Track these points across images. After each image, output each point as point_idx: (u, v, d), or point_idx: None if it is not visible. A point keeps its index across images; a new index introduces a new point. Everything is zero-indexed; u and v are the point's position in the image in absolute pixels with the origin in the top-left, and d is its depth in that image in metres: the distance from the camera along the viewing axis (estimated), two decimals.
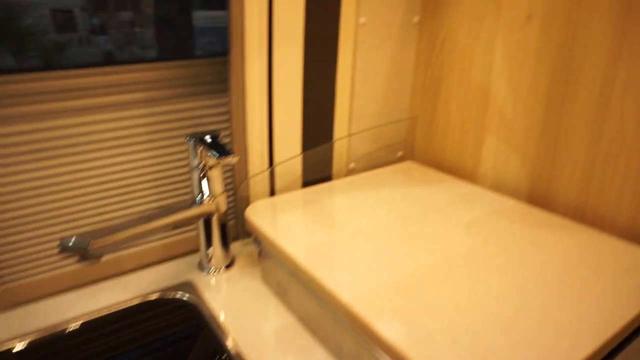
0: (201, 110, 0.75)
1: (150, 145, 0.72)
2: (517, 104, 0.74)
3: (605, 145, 0.64)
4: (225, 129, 0.79)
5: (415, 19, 0.87)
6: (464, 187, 0.78)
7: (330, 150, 0.85)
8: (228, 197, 0.83)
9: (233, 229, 0.84)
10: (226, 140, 0.80)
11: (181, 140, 0.75)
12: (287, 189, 0.81)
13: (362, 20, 0.80)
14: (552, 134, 0.70)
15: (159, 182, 0.75)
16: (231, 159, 0.58)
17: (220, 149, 0.60)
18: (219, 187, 0.67)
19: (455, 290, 0.49)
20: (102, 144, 0.68)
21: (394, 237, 0.60)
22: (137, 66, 0.67)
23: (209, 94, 0.75)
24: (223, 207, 0.69)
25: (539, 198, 0.74)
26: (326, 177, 0.87)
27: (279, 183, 0.80)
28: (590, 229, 0.63)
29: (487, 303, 0.47)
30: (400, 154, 0.97)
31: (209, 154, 0.62)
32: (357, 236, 0.60)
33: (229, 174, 0.80)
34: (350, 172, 0.90)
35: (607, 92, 0.62)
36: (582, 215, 0.68)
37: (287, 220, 0.65)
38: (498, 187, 0.80)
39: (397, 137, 0.95)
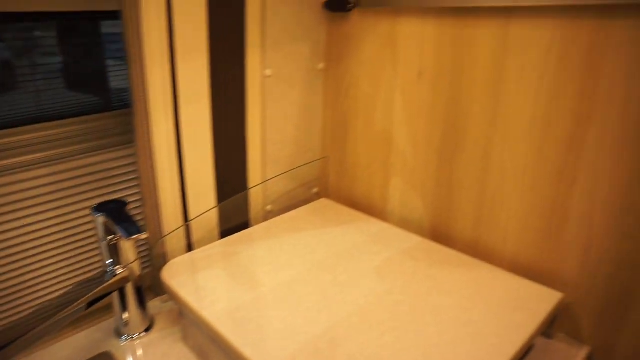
0: (112, 163, 0.73)
1: (57, 206, 0.69)
2: (416, 150, 0.81)
3: (491, 191, 0.72)
4: (137, 186, 0.78)
5: (320, 65, 0.91)
6: (374, 225, 0.83)
7: (245, 197, 0.87)
8: (144, 252, 0.81)
9: (150, 279, 0.82)
10: (138, 197, 0.78)
11: (91, 197, 0.72)
12: (205, 241, 0.81)
13: (268, 72, 0.82)
14: (447, 179, 0.77)
15: (69, 248, 0.71)
16: (140, 236, 0.58)
17: (128, 223, 0.59)
18: (131, 255, 0.66)
19: (365, 345, 0.53)
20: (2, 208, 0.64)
21: (311, 289, 0.63)
22: (36, 126, 0.64)
23: (119, 145, 0.74)
24: (137, 271, 0.68)
25: (440, 234, 0.81)
26: (243, 224, 0.88)
27: (195, 235, 0.80)
28: (484, 263, 0.71)
29: (394, 356, 0.51)
30: (315, 190, 1.01)
31: (117, 231, 0.61)
32: (275, 292, 0.62)
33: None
34: (268, 215, 0.92)
35: (489, 146, 0.70)
36: (476, 250, 0.76)
37: (203, 280, 0.66)
38: (405, 223, 0.86)
39: (312, 175, 0.99)
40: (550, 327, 0.67)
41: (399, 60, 0.78)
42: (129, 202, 0.80)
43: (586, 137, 0.60)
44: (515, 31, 0.63)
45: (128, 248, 0.65)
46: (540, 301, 0.61)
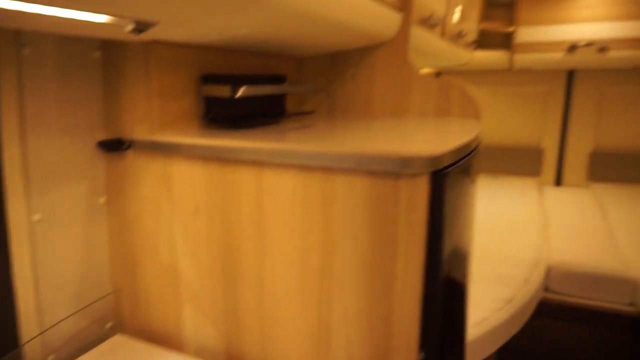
0: None
1: None
2: (202, 279, 0.84)
3: (269, 314, 0.78)
4: None
5: (102, 200, 0.90)
6: (170, 359, 0.81)
7: (18, 356, 0.77)
8: None
9: None
10: None
11: None
12: None
13: (36, 217, 0.78)
14: (232, 304, 0.81)
15: None
16: None
17: None
18: None
19: None
20: None
21: None
22: None
23: None
24: None
25: (235, 359, 0.84)
26: None
27: None
28: None
29: None
30: (109, 325, 0.95)
31: None
32: None
33: None
34: None
35: (262, 274, 0.77)
36: None
37: None
38: (201, 351, 0.87)
39: (104, 310, 0.93)
40: None
41: (175, 198, 0.82)
42: None
43: (333, 266, 0.71)
44: (268, 177, 0.73)
45: None
46: None
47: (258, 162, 0.73)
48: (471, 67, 2.79)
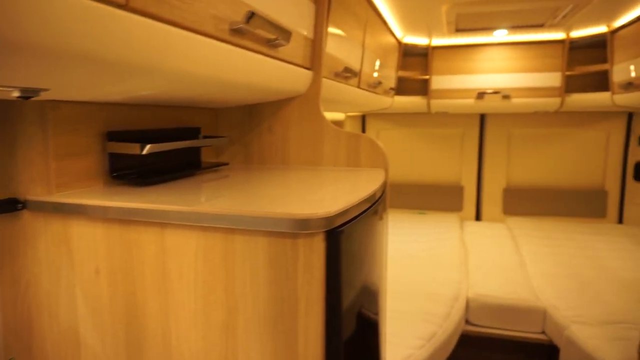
0: None
1: None
2: (104, 344, 0.80)
3: None
4: None
5: None
6: None
7: None
8: None
9: None
10: None
11: None
12: None
13: None
14: None
15: None
16: None
17: None
18: None
19: None
20: None
21: None
22: None
23: None
24: None
25: None
26: None
27: None
28: None
29: None
30: None
31: None
32: None
33: None
34: None
35: (167, 335, 0.75)
36: None
37: None
38: None
39: None
40: None
41: (76, 258, 0.79)
42: None
43: (237, 324, 0.71)
44: (170, 238, 0.73)
45: None
46: None
47: (160, 223, 0.73)
48: (394, 110, 2.96)
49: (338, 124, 2.76)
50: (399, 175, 3.30)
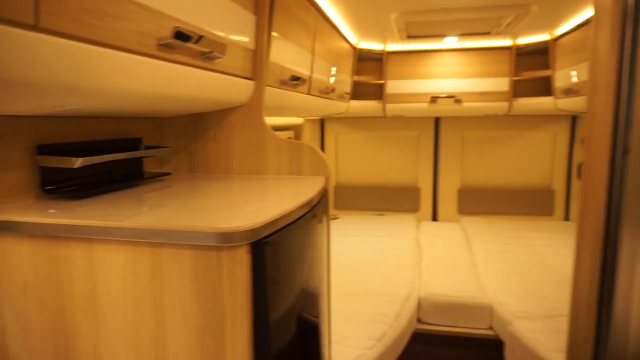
0: None
1: None
2: None
3: None
4: None
5: None
6: None
7: None
8: None
9: None
10: None
11: None
12: None
13: None
14: None
15: None
16: None
17: None
18: None
19: None
20: None
21: None
22: None
23: None
24: None
25: None
26: None
27: None
28: None
29: None
30: None
31: None
32: None
33: None
34: None
35: (97, 349, 0.76)
36: None
37: None
38: None
39: None
40: None
41: (3, 275, 0.78)
42: None
43: (166, 337, 0.72)
44: (99, 253, 0.73)
45: None
46: None
47: (88, 239, 0.73)
48: (350, 114, 3.01)
49: (296, 128, 2.79)
50: (358, 178, 3.35)
